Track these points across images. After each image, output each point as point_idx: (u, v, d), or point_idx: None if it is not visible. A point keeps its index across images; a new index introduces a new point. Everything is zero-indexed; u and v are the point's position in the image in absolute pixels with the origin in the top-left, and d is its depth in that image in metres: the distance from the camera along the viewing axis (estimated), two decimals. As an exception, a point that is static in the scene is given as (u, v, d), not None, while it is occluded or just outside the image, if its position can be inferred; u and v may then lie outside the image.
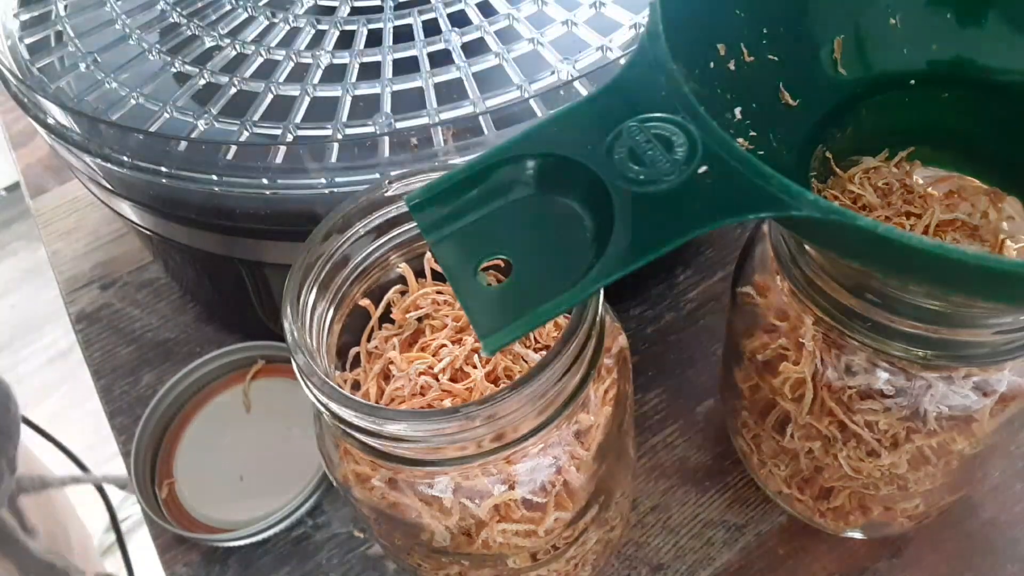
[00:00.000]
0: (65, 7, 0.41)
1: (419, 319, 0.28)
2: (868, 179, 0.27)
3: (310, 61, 0.35)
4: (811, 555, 0.35)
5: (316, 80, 0.35)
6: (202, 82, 0.35)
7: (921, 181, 0.27)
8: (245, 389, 0.41)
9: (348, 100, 0.34)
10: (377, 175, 0.30)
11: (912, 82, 0.27)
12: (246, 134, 0.33)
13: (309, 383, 0.22)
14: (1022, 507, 0.35)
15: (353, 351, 0.28)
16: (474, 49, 0.35)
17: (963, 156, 0.27)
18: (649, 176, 0.19)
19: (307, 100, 0.34)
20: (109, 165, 0.33)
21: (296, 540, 0.37)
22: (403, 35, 0.36)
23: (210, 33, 0.38)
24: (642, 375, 0.41)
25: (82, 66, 0.37)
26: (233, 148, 0.32)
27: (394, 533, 0.27)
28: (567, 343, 0.21)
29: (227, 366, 0.42)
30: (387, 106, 0.33)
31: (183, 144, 0.32)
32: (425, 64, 0.35)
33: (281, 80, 0.35)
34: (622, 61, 0.32)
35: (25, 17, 0.41)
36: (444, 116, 0.32)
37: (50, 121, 0.34)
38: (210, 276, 0.42)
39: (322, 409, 0.22)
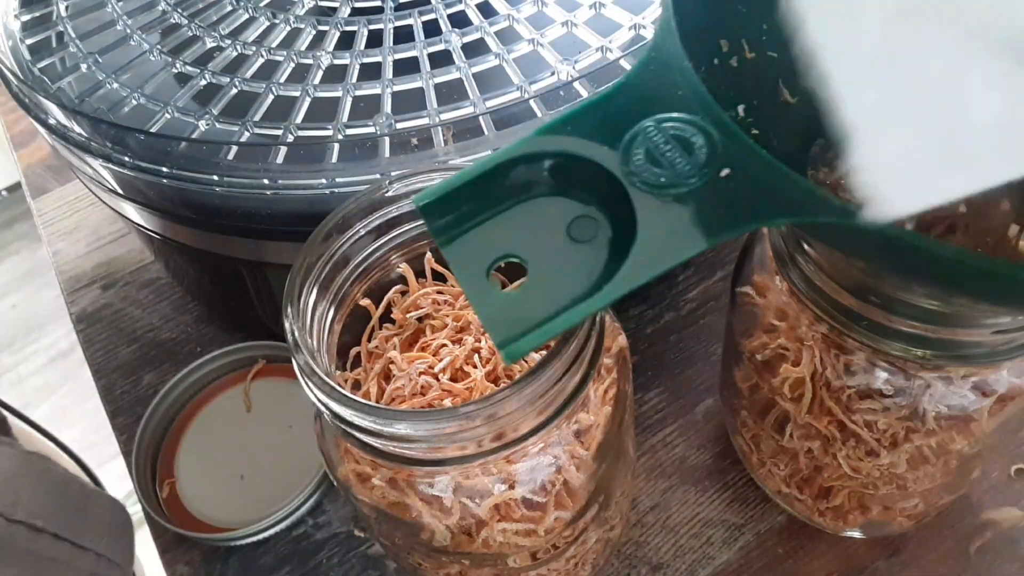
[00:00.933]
0: (66, 8, 0.41)
1: (419, 319, 0.28)
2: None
3: (311, 62, 0.36)
4: (810, 554, 0.35)
5: (317, 81, 0.35)
6: (203, 83, 0.35)
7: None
8: (246, 389, 0.41)
9: (349, 100, 0.34)
10: (377, 175, 0.30)
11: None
12: (247, 134, 0.33)
13: (310, 383, 0.22)
14: (1021, 507, 0.35)
15: (354, 351, 0.28)
16: (474, 50, 0.35)
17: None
18: (670, 179, 0.19)
19: (308, 101, 0.34)
20: (110, 165, 0.33)
21: (296, 539, 0.37)
22: (403, 36, 0.36)
23: (211, 34, 0.38)
24: (642, 375, 0.41)
25: (83, 67, 0.37)
26: (234, 148, 0.32)
27: (394, 532, 0.27)
28: (567, 343, 0.22)
29: (228, 366, 0.42)
30: (387, 106, 0.33)
31: (184, 144, 0.32)
32: (425, 65, 0.35)
33: (282, 81, 0.35)
34: (622, 62, 0.32)
35: (26, 18, 0.41)
36: (444, 116, 0.32)
37: (51, 121, 0.35)
38: (211, 276, 0.42)
39: (323, 409, 0.22)
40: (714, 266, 0.44)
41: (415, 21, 0.37)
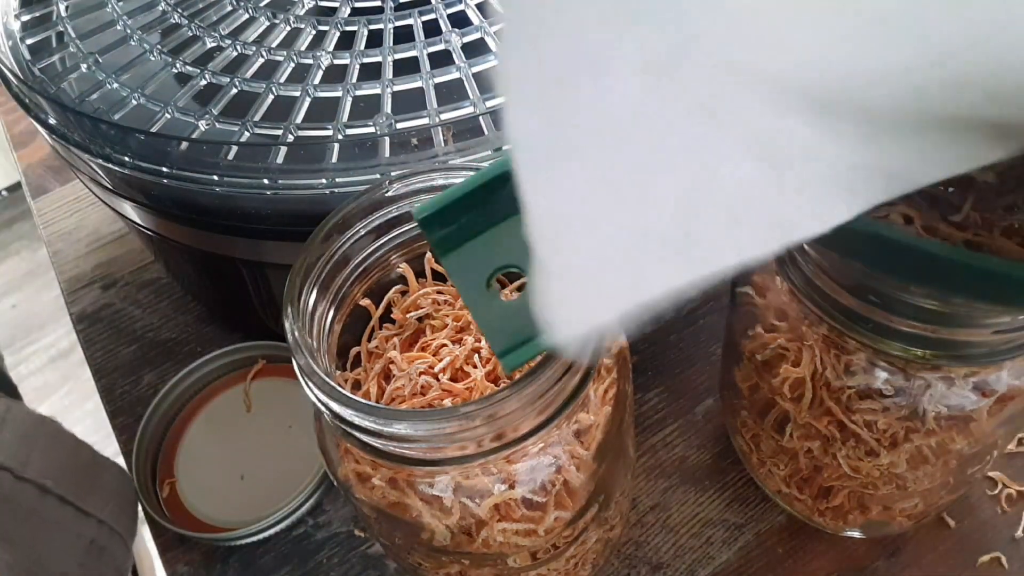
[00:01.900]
0: (66, 8, 0.41)
1: (419, 319, 0.28)
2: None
3: (311, 62, 0.36)
4: (810, 554, 0.35)
5: (317, 81, 0.35)
6: (203, 83, 0.35)
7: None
8: (246, 389, 0.41)
9: (349, 100, 0.34)
10: (377, 175, 0.30)
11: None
12: (247, 134, 0.33)
13: (310, 383, 0.22)
14: (1020, 506, 0.35)
15: (354, 351, 0.28)
16: (474, 50, 0.35)
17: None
18: None
19: (308, 101, 0.34)
20: (110, 165, 0.33)
21: (297, 539, 0.37)
22: (404, 36, 0.36)
23: (211, 34, 0.38)
24: (642, 375, 0.41)
25: (83, 67, 0.37)
26: (234, 148, 0.32)
27: (394, 532, 0.27)
28: (567, 343, 0.22)
29: (228, 366, 0.42)
30: (388, 106, 0.33)
31: (184, 144, 0.32)
32: (425, 65, 0.35)
33: (282, 81, 0.35)
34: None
35: (26, 18, 0.41)
36: (444, 116, 0.32)
37: (51, 122, 0.35)
38: (211, 276, 0.42)
39: (323, 409, 0.22)
40: (714, 266, 0.44)
41: (415, 21, 0.37)
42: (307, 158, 0.31)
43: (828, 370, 0.27)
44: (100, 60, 0.37)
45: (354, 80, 0.35)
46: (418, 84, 0.34)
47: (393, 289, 0.28)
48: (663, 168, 0.14)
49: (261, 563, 0.37)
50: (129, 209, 0.37)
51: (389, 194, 0.25)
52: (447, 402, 0.26)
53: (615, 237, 0.14)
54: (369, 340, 0.28)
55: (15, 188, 1.63)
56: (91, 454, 0.37)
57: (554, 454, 0.25)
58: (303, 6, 0.38)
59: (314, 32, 0.37)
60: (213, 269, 0.40)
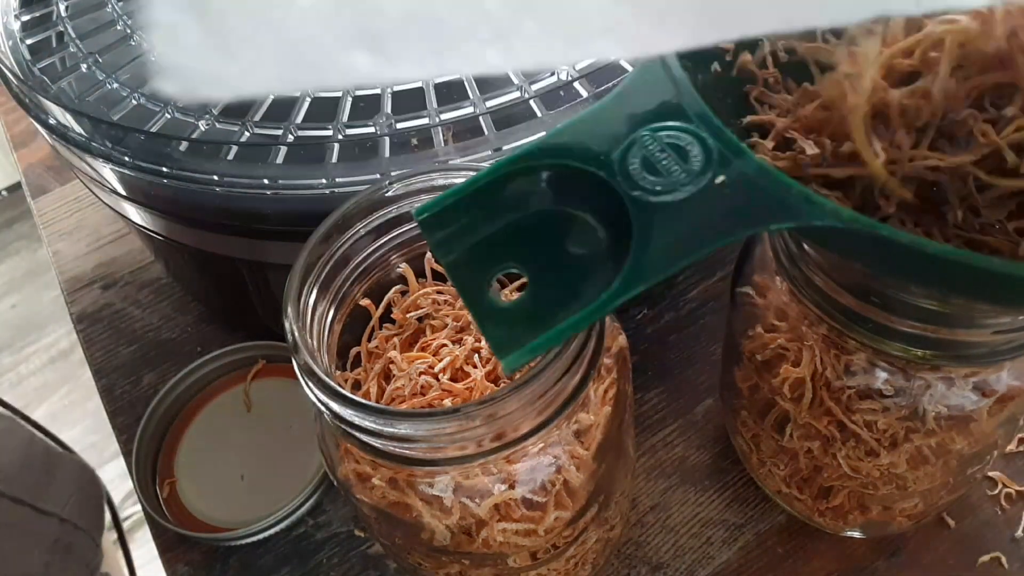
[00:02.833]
0: (66, 8, 0.41)
1: (419, 319, 0.28)
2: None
3: (311, 62, 0.36)
4: (810, 554, 0.35)
5: (317, 81, 0.35)
6: (203, 83, 0.35)
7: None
8: (246, 389, 0.41)
9: (349, 100, 0.34)
10: (377, 175, 0.30)
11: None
12: (247, 134, 0.33)
13: (310, 383, 0.22)
14: (1020, 506, 0.35)
15: (354, 351, 0.28)
16: (474, 50, 0.35)
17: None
18: (665, 186, 0.19)
19: (308, 100, 0.34)
20: (110, 165, 0.33)
21: (296, 539, 0.37)
22: (403, 36, 0.36)
23: (211, 34, 0.38)
24: (642, 375, 0.41)
25: (83, 67, 0.37)
26: (234, 148, 0.32)
27: (394, 532, 0.27)
28: (567, 344, 0.22)
29: (228, 366, 0.42)
30: (388, 106, 0.33)
31: (184, 144, 0.32)
32: (425, 65, 0.35)
33: (282, 81, 0.35)
34: (623, 62, 0.32)
35: (26, 18, 0.41)
36: (444, 116, 0.32)
37: (51, 121, 0.35)
38: (211, 276, 0.42)
39: (323, 409, 0.22)
40: (714, 266, 0.44)
41: (415, 21, 0.37)
42: (307, 158, 0.31)
43: (828, 370, 0.27)
44: (100, 60, 0.37)
45: (354, 80, 0.34)
46: (418, 84, 0.34)
47: (393, 289, 0.28)
48: None
49: (261, 563, 0.37)
50: (129, 209, 0.37)
51: (389, 194, 0.25)
52: (447, 402, 0.26)
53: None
54: (369, 340, 0.28)
55: (15, 188, 1.63)
56: (45, 449, 0.36)
57: (554, 454, 0.25)
58: (303, 6, 0.38)
59: (314, 32, 0.37)
60: (213, 269, 0.40)
